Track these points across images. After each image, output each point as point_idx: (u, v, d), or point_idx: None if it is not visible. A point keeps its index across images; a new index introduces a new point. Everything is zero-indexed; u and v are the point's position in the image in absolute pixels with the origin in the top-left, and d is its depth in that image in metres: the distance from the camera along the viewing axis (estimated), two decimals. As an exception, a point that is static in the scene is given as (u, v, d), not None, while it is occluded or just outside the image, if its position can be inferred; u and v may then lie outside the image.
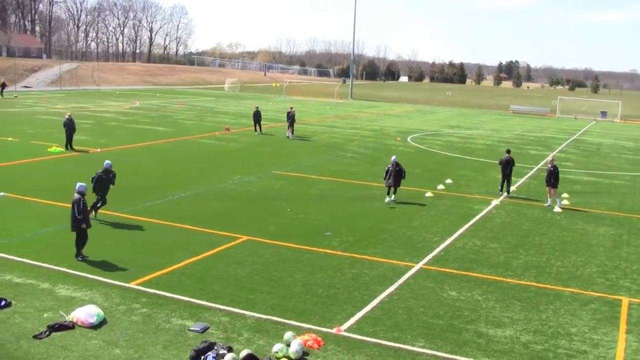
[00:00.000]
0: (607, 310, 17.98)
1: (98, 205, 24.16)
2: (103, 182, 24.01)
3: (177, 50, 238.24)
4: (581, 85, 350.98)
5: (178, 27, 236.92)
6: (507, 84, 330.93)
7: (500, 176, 33.23)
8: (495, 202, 30.95)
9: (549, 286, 19.59)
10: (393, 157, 30.64)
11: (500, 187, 32.86)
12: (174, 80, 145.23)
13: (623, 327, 16.83)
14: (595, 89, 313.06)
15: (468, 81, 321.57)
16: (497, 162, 33.81)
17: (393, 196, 29.93)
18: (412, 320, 16.34)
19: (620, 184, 38.77)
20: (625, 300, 18.80)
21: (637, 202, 33.46)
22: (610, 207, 31.66)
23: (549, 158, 33.94)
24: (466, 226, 26.24)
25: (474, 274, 20.24)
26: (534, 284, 19.73)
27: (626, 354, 15.17)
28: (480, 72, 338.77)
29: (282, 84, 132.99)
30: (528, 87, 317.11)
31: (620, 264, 22.42)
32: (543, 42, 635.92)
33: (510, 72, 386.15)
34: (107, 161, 24.83)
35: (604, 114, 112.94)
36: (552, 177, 30.46)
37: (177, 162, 38.25)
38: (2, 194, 27.20)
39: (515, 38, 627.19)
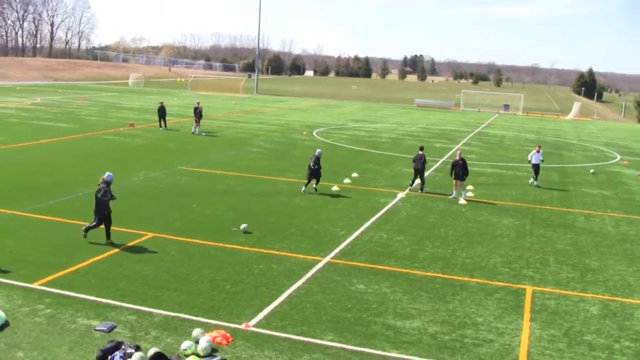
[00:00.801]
0: (512, 299, 18.31)
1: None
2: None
3: (79, 45, 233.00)
4: (484, 79, 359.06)
5: (80, 21, 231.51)
6: (412, 78, 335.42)
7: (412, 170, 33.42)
8: (401, 195, 31.23)
9: (455, 277, 19.83)
10: (318, 150, 31.55)
11: (411, 182, 33.06)
12: (76, 76, 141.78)
13: (527, 315, 17.16)
14: (498, 83, 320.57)
15: (373, 75, 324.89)
16: (412, 158, 33.82)
17: (314, 185, 30.82)
18: (321, 314, 16.26)
19: (522, 176, 39.70)
20: (529, 289, 19.19)
21: (539, 193, 34.32)
22: (513, 198, 32.37)
23: (457, 150, 34.40)
24: (372, 219, 26.36)
25: (381, 267, 20.31)
26: (441, 275, 19.94)
27: (530, 342, 15.46)
28: (385, 66, 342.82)
29: (187, 79, 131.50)
30: (433, 81, 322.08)
31: (523, 253, 22.91)
32: (447, 36, 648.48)
33: (415, 66, 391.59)
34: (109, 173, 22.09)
35: (506, 107, 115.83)
36: (461, 170, 30.93)
37: (81, 159, 37.24)
38: None
39: (420, 32, 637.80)
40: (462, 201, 30.44)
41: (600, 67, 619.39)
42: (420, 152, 32.41)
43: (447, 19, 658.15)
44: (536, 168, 36.31)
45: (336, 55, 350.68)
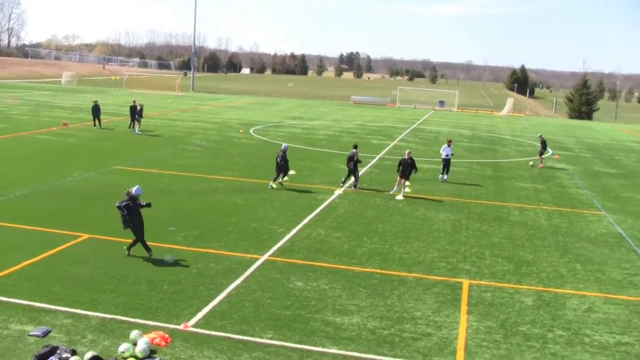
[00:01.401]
0: (449, 293, 18.55)
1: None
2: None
3: (9, 42, 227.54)
4: (420, 75, 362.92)
5: (10, 17, 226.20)
6: (349, 75, 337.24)
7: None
8: (338, 191, 31.34)
9: (393, 272, 19.99)
10: (284, 145, 32.21)
11: (343, 180, 33.14)
12: (6, 74, 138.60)
13: (464, 308, 17.41)
14: (433, 80, 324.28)
15: (310, 72, 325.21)
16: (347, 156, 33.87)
17: (280, 180, 31.92)
18: (260, 312, 16.23)
19: (458, 171, 40.17)
20: (465, 283, 19.47)
21: (474, 188, 34.81)
22: (449, 194, 32.77)
23: (406, 150, 34.40)
24: (310, 216, 26.40)
25: (320, 264, 20.36)
26: (379, 270, 20.08)
27: (467, 334, 15.69)
28: (321, 64, 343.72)
29: (122, 77, 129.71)
30: (369, 78, 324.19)
31: (460, 247, 23.22)
32: (383, 33, 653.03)
33: (351, 63, 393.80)
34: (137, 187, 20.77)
35: (441, 103, 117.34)
36: (408, 169, 31.18)
37: (12, 159, 36.41)
38: None
39: (356, 30, 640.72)
40: (399, 197, 30.68)
41: (532, 64, 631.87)
42: (353, 150, 32.51)
43: (383, 16, 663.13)
44: (446, 162, 36.53)
45: (272, 53, 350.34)
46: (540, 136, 46.63)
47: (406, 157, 31.63)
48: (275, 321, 15.72)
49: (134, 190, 20.29)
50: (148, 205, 20.24)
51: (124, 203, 19.83)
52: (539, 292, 19.14)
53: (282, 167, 31.27)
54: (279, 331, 15.14)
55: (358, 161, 32.45)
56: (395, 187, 31.77)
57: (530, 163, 45.64)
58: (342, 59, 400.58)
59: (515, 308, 17.70)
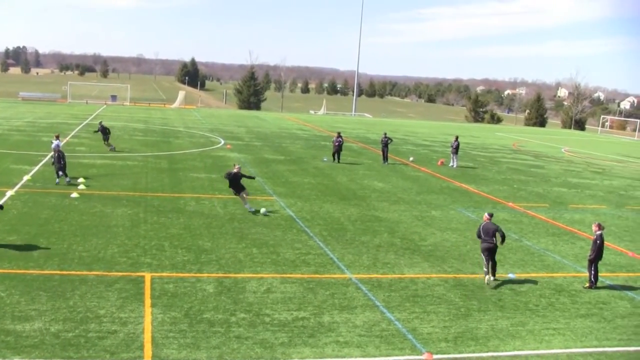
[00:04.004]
0: (132, 287, 18.54)
1: None
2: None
3: None
4: (91, 70, 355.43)
5: None
6: (16, 71, 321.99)
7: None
8: (10, 192, 29.78)
9: (73, 272, 19.53)
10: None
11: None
12: None
13: (148, 301, 17.53)
14: (105, 74, 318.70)
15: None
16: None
17: None
18: None
19: (133, 165, 40.01)
20: (147, 276, 19.58)
21: (150, 181, 34.88)
22: (125, 188, 32.55)
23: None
24: (-20, 221, 24.86)
25: (-6, 270, 19.34)
26: (58, 272, 19.51)
27: (153, 327, 15.83)
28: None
29: None
30: (38, 73, 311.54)
31: (139, 241, 23.23)
32: (51, 26, 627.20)
33: (18, 58, 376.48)
34: None
35: (114, 97, 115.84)
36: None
37: None
38: None
39: (22, 22, 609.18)
40: (74, 195, 29.86)
41: (202, 57, 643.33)
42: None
43: (50, 8, 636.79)
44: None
45: None
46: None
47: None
48: (-54, 336, 14.69)
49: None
50: None
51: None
52: (220, 279, 19.79)
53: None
54: (-48, 346, 14.19)
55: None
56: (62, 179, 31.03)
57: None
58: (8, 54, 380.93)
59: (198, 296, 18.15)
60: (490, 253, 20.89)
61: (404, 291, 19.95)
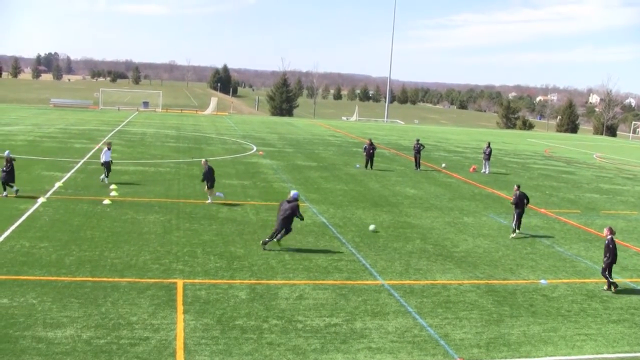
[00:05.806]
0: (164, 294, 18.48)
1: None
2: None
3: None
4: (123, 76, 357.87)
5: None
6: (47, 77, 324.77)
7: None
8: (41, 199, 29.90)
9: (105, 279, 19.51)
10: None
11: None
12: None
13: (180, 308, 17.44)
14: (136, 80, 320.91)
15: (4, 74, 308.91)
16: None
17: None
18: (-38, 334, 15.11)
19: (165, 172, 40.10)
20: (179, 283, 19.50)
21: (182, 188, 34.91)
22: (157, 195, 32.59)
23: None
24: (12, 228, 24.82)
25: (26, 277, 19.32)
26: (90, 278, 19.49)
27: (185, 334, 15.74)
28: (16, 65, 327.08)
29: None
30: (69, 80, 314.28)
31: (172, 248, 23.19)
32: (83, 33, 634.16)
33: (49, 64, 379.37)
34: None
35: (146, 104, 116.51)
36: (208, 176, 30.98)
37: None
38: None
39: (54, 29, 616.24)
40: (106, 202, 29.94)
41: (234, 63, 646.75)
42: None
43: (81, 16, 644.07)
44: (107, 165, 35.14)
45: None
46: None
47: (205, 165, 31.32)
48: (-21, 343, 14.70)
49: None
50: None
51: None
52: (252, 285, 19.68)
53: None
54: (-15, 353, 14.20)
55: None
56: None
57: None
58: (40, 60, 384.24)
59: (230, 303, 18.05)
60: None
61: (436, 297, 19.77)
